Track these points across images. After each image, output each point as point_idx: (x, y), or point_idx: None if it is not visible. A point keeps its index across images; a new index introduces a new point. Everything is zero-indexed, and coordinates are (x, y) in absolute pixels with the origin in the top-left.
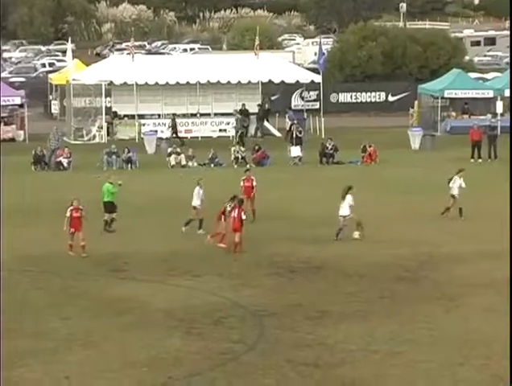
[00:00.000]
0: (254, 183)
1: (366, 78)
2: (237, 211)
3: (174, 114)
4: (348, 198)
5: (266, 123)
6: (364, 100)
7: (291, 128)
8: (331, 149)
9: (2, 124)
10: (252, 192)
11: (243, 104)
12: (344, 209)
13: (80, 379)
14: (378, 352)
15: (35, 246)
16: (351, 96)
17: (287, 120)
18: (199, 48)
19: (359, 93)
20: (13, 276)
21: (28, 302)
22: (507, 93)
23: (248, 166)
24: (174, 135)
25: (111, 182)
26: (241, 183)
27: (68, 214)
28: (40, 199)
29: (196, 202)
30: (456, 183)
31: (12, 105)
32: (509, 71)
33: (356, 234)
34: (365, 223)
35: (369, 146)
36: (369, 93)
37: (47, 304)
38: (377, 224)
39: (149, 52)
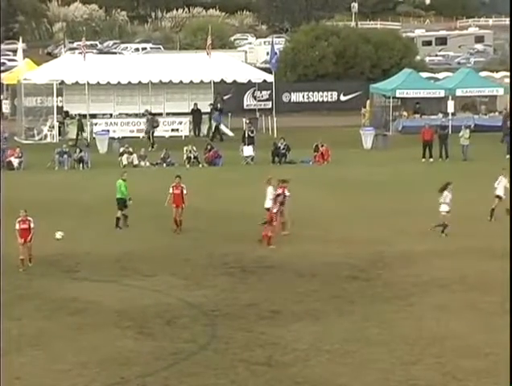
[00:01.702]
0: (185, 191)
1: (318, 78)
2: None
3: (147, 110)
4: (446, 194)
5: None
6: (316, 100)
7: (215, 130)
8: (283, 148)
9: None
10: (181, 200)
11: (195, 104)
12: (445, 205)
13: (31, 380)
14: (330, 351)
15: None
16: (303, 96)
17: (213, 121)
18: (151, 48)
19: (311, 93)
20: None
21: None
22: (458, 93)
23: (200, 165)
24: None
25: (124, 179)
26: (170, 190)
27: (17, 226)
28: None
29: (268, 203)
30: (502, 183)
31: None
32: (460, 70)
33: None
34: (316, 222)
35: (321, 146)
36: (321, 93)
37: None
38: (329, 224)
39: (100, 52)
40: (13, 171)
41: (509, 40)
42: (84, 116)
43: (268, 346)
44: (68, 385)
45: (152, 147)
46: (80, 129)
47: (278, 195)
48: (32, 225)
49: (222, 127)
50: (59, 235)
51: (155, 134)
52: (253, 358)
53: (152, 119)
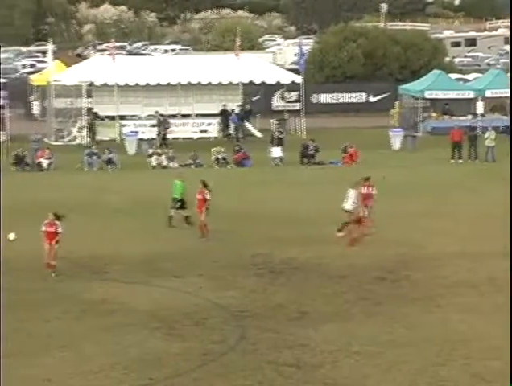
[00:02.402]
0: (208, 197)
1: (347, 79)
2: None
3: (157, 112)
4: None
5: (247, 124)
6: (344, 101)
7: (235, 131)
8: (312, 149)
9: None
10: (204, 206)
11: (224, 105)
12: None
13: (61, 382)
14: (359, 353)
15: (16, 247)
16: (332, 97)
17: (231, 123)
18: (180, 49)
19: (340, 94)
20: None
21: (9, 304)
22: (487, 94)
23: (229, 166)
24: (161, 135)
25: (182, 180)
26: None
27: (43, 228)
28: (20, 200)
29: (348, 205)
30: None
31: None
32: (489, 71)
33: None
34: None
35: (350, 147)
36: (349, 94)
37: (28, 305)
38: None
39: (130, 53)
40: (42, 172)
41: None
42: (113, 117)
43: (296, 348)
44: None
45: (166, 147)
46: (93, 130)
47: (365, 195)
48: (60, 230)
49: (250, 127)
50: (12, 236)
51: (169, 136)
52: (282, 359)
53: (164, 121)
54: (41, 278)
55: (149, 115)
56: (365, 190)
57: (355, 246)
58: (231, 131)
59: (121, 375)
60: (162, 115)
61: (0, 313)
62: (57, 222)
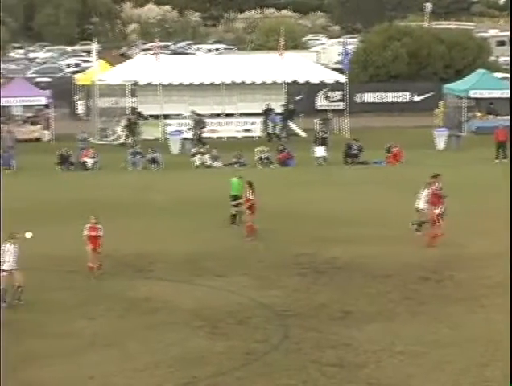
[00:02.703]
0: (251, 197)
1: (391, 78)
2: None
3: (194, 112)
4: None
5: (290, 123)
6: (388, 101)
7: (273, 130)
8: (356, 149)
9: (28, 124)
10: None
11: (267, 104)
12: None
13: (104, 379)
14: (402, 353)
15: (61, 246)
16: (376, 97)
17: (270, 122)
18: (224, 49)
19: (384, 93)
20: (39, 275)
21: (54, 302)
22: None
23: (272, 166)
24: (196, 135)
25: (240, 177)
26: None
27: (85, 232)
28: (65, 199)
29: (421, 204)
30: None
31: (38, 105)
32: None
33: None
34: (389, 223)
35: (394, 147)
36: (393, 93)
37: (72, 304)
38: (401, 225)
39: (174, 53)
40: (87, 172)
41: None
42: (157, 116)
43: (340, 347)
44: (141, 384)
45: (203, 146)
46: (132, 129)
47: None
48: (101, 233)
49: (294, 127)
50: (28, 235)
51: (204, 135)
52: (325, 359)
53: (199, 120)
54: (85, 277)
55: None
56: (435, 187)
57: (434, 246)
58: (270, 130)
59: (165, 374)
60: (198, 114)
61: (0, 312)
62: (99, 226)
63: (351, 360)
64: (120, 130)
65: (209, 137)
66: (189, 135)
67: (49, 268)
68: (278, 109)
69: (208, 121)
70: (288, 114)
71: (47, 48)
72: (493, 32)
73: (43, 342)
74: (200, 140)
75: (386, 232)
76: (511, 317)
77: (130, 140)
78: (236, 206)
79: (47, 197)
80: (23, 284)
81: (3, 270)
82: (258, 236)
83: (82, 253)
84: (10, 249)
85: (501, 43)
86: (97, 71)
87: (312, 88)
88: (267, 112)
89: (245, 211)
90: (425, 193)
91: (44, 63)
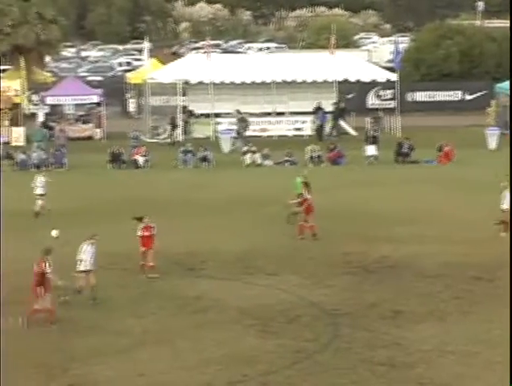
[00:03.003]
0: (308, 196)
1: (443, 77)
2: None
3: (238, 111)
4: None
5: (341, 122)
6: (440, 99)
7: (320, 128)
8: (407, 148)
9: (80, 122)
10: (304, 205)
11: (318, 103)
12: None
13: (155, 377)
14: (454, 353)
15: (114, 244)
16: (427, 95)
17: (317, 120)
18: (275, 47)
19: (435, 92)
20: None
21: (106, 300)
22: None
23: (323, 165)
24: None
25: (304, 176)
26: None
27: (139, 233)
28: (117, 197)
29: (506, 205)
30: None
31: (90, 104)
32: None
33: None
34: (440, 222)
35: (446, 146)
36: (445, 92)
37: (124, 302)
38: (452, 224)
39: (225, 51)
40: (138, 170)
41: None
42: (208, 115)
43: (391, 347)
44: (191, 382)
45: (247, 144)
46: (174, 124)
47: None
48: (154, 232)
49: (345, 126)
50: (54, 233)
51: (247, 133)
52: (376, 358)
53: (242, 118)
54: (136, 275)
55: (244, 113)
56: None
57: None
58: (319, 129)
59: (215, 372)
60: (241, 113)
61: (0, 310)
62: (152, 225)
63: (402, 360)
64: (171, 129)
65: (260, 136)
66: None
67: (101, 267)
68: (329, 108)
69: (256, 119)
70: (339, 113)
71: (99, 47)
72: None
73: (95, 339)
74: (243, 138)
75: (437, 231)
76: (511, 317)
77: (173, 139)
78: (296, 205)
79: (98, 195)
80: (95, 283)
81: (81, 271)
82: (309, 235)
83: (134, 251)
84: (88, 249)
85: None
86: (149, 70)
87: (363, 87)
88: (317, 111)
89: (301, 211)
90: (506, 193)
91: (96, 61)
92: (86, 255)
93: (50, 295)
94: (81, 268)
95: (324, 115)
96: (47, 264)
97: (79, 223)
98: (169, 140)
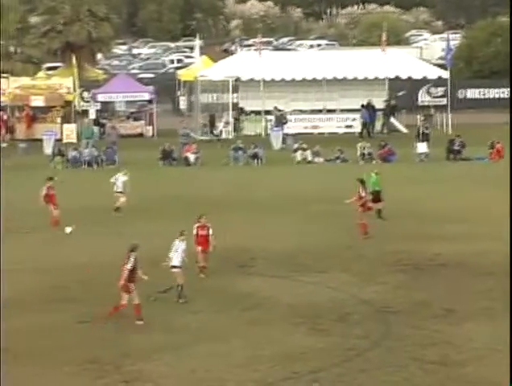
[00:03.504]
0: (363, 194)
1: (494, 74)
2: None
3: (276, 108)
4: None
5: (392, 119)
6: (492, 97)
7: (363, 128)
8: (458, 145)
9: (132, 119)
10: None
11: (369, 100)
12: None
13: (206, 373)
14: (505, 351)
15: (167, 241)
16: (479, 93)
17: (360, 118)
18: (325, 44)
19: (487, 89)
20: (145, 270)
21: (160, 297)
22: None
23: (374, 162)
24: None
25: (377, 173)
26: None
27: (195, 231)
28: (168, 195)
29: None
30: None
31: (141, 101)
32: None
33: None
34: (491, 220)
35: (497, 143)
36: (497, 89)
37: (177, 299)
38: (506, 222)
39: (276, 48)
40: (189, 167)
41: None
42: (259, 112)
43: (442, 345)
44: (244, 379)
45: (283, 143)
46: (213, 125)
47: None
48: (211, 232)
49: (395, 123)
50: (68, 229)
51: (297, 131)
52: (427, 356)
53: (281, 116)
54: (188, 272)
55: (294, 110)
56: None
57: None
58: (378, 127)
59: (266, 369)
60: (279, 110)
61: (0, 311)
62: (208, 224)
63: (453, 358)
64: (222, 126)
65: (311, 133)
66: (291, 131)
67: (150, 263)
68: (380, 105)
69: (307, 116)
70: (390, 110)
71: (150, 44)
72: None
73: (148, 336)
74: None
75: (489, 229)
76: (511, 318)
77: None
78: (375, 201)
79: (150, 192)
80: (182, 282)
81: (175, 266)
82: (358, 232)
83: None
84: (180, 246)
85: None
86: (200, 67)
87: (415, 84)
88: (361, 109)
89: (358, 209)
90: None
91: (147, 59)
92: (179, 252)
93: (136, 291)
94: (177, 263)
95: (368, 112)
96: (132, 260)
97: (131, 221)
98: (208, 137)
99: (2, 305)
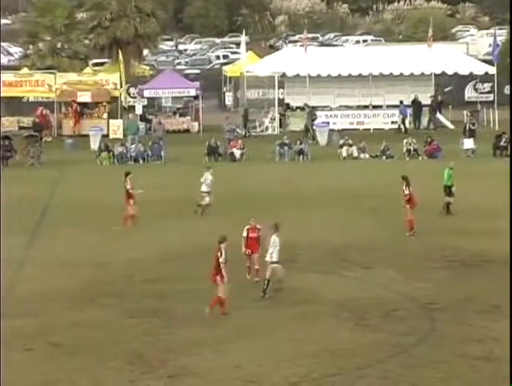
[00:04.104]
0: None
1: None
2: None
3: (306, 105)
4: None
5: (438, 115)
6: None
7: (403, 122)
8: (505, 141)
9: (178, 115)
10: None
11: (416, 96)
12: None
13: (250, 369)
14: None
15: (211, 236)
16: None
17: (399, 114)
18: (371, 40)
19: None
20: (188, 266)
21: (203, 292)
22: None
23: (420, 158)
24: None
25: (451, 168)
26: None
27: (245, 233)
28: (215, 191)
29: None
30: None
31: (187, 97)
32: None
33: None
34: None
35: None
36: None
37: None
38: None
39: (322, 44)
40: (235, 163)
41: None
42: (304, 108)
43: (488, 341)
44: (287, 375)
45: (313, 139)
46: (246, 121)
47: None
48: (261, 233)
49: (442, 119)
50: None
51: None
52: (473, 352)
53: (311, 112)
54: (232, 268)
55: (340, 106)
56: None
57: None
58: (425, 123)
59: (311, 365)
60: (309, 107)
61: (0, 306)
62: (259, 226)
63: (499, 355)
64: (268, 121)
65: (357, 129)
66: (336, 126)
67: (198, 259)
68: (427, 101)
69: (353, 112)
70: (436, 106)
71: (196, 40)
72: None
73: (192, 331)
74: (307, 131)
75: None
76: (511, 317)
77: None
78: (448, 195)
79: (195, 188)
80: (269, 277)
81: (273, 262)
82: (404, 228)
83: (233, 244)
84: (277, 241)
85: None
86: (246, 63)
87: (461, 80)
88: (420, 105)
89: (404, 206)
90: None
91: (194, 54)
92: (276, 247)
93: (225, 284)
94: (274, 259)
95: (405, 108)
96: (222, 253)
97: (174, 216)
98: (246, 133)
99: (2, 305)
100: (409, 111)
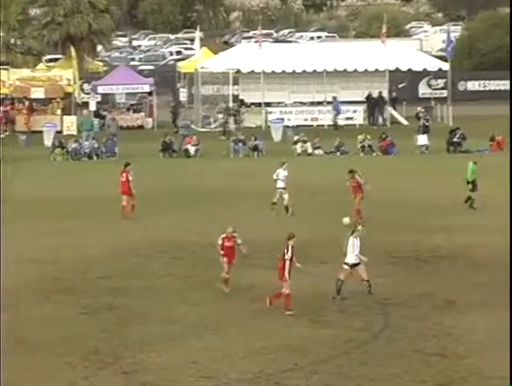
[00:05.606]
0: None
1: (495, 66)
2: None
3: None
4: None
5: (392, 111)
6: (492, 89)
7: (335, 118)
8: (458, 137)
9: (132, 111)
10: (359, 192)
11: (370, 92)
12: None
13: (207, 365)
14: (506, 343)
15: (167, 232)
16: (479, 84)
17: (332, 109)
18: (326, 36)
19: (487, 81)
20: (144, 262)
21: (159, 288)
22: None
23: (374, 154)
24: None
25: (475, 162)
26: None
27: (220, 242)
28: (169, 187)
29: None
30: None
31: (141, 93)
32: None
33: None
34: (492, 212)
35: (498, 135)
36: (497, 81)
37: (176, 290)
38: (507, 214)
39: (276, 40)
40: (189, 159)
41: None
42: (259, 104)
43: (442, 337)
44: (242, 371)
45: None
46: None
47: None
48: (239, 241)
49: (396, 115)
50: (346, 220)
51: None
52: (427, 348)
53: (227, 108)
54: (189, 263)
55: (294, 102)
56: None
57: None
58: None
59: (266, 361)
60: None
61: (0, 310)
62: (235, 234)
63: (453, 350)
64: (220, 118)
65: (311, 125)
66: (291, 123)
67: (154, 255)
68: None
69: (307, 108)
70: (390, 102)
71: (150, 36)
72: None
73: (148, 328)
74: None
75: (490, 221)
76: (511, 316)
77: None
78: (472, 190)
79: (151, 184)
80: (367, 277)
81: (346, 263)
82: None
83: (187, 240)
84: (355, 243)
85: None
86: (200, 59)
87: (415, 76)
88: (374, 101)
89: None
90: None
91: (148, 50)
92: (355, 249)
93: (289, 281)
94: (349, 261)
95: (338, 104)
96: (289, 250)
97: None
98: (221, 128)
99: (1, 304)
100: (341, 107)
